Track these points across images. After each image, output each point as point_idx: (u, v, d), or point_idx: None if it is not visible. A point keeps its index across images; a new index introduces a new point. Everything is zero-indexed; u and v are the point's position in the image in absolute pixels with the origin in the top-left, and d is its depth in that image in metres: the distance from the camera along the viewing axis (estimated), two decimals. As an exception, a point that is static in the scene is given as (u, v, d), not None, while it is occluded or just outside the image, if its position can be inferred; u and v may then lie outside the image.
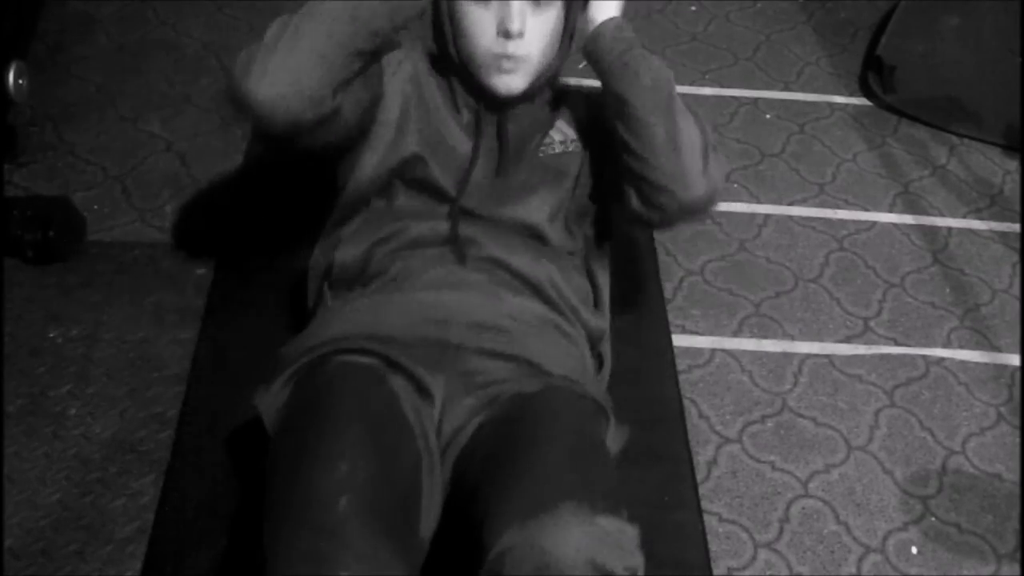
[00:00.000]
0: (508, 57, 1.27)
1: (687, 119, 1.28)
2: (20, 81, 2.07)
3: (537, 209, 1.34)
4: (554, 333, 1.29)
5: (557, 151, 1.38)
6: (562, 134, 1.40)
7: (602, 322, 1.39)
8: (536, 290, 1.30)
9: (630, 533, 0.99)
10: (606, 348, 1.42)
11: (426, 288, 1.26)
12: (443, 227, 1.31)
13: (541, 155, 1.37)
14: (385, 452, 1.06)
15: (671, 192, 1.25)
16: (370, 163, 1.35)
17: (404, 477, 1.07)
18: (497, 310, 1.25)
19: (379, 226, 1.33)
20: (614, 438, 1.24)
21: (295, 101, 1.14)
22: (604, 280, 1.43)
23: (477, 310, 1.24)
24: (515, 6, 1.24)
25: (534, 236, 1.34)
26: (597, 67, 1.29)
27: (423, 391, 1.18)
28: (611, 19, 1.29)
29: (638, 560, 0.98)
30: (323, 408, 1.11)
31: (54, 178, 2.11)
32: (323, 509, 0.97)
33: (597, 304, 1.41)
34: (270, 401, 1.19)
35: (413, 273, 1.28)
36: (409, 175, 1.34)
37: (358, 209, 1.38)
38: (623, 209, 1.34)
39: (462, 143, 1.35)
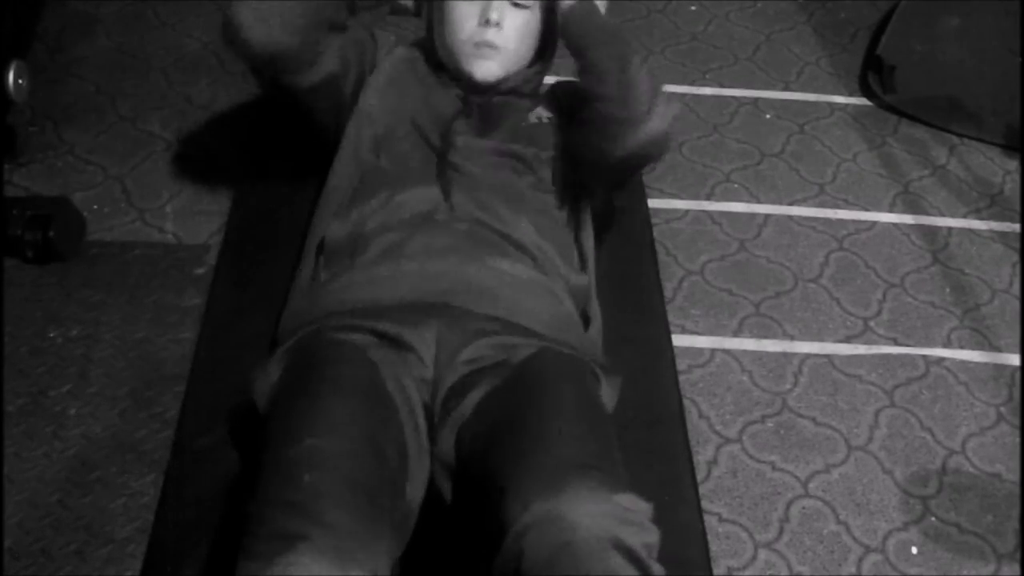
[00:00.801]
0: (487, 44, 1.47)
1: (640, 68, 1.43)
2: (20, 81, 2.07)
3: (516, 169, 1.46)
4: (540, 291, 1.32)
5: (534, 122, 1.54)
6: (539, 115, 1.56)
7: (583, 280, 1.43)
8: (517, 247, 1.34)
9: (644, 509, 1.01)
10: (594, 307, 1.46)
11: (412, 257, 1.29)
12: (427, 193, 1.39)
13: (523, 125, 1.53)
14: (361, 423, 1.07)
15: (628, 121, 1.40)
16: (363, 122, 1.49)
17: (384, 446, 1.08)
18: (482, 273, 1.28)
19: (367, 196, 1.39)
20: (608, 395, 1.26)
21: (279, 31, 1.32)
22: (588, 241, 1.51)
23: (462, 274, 1.27)
24: (495, 3, 1.46)
25: (515, 194, 1.42)
26: (571, 37, 1.47)
27: (412, 352, 1.19)
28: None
29: (654, 536, 0.99)
30: (301, 387, 1.12)
31: (54, 178, 2.11)
32: (288, 485, 0.99)
33: (581, 263, 1.47)
34: (263, 382, 1.20)
35: (399, 243, 1.30)
36: (399, 132, 1.47)
37: (348, 174, 1.47)
38: (586, 154, 1.49)
39: (448, 108, 1.51)
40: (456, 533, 1.17)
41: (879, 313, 2.08)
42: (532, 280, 1.32)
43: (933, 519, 1.73)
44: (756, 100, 2.57)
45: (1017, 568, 1.68)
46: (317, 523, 0.94)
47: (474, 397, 1.17)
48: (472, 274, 1.28)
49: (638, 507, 1.00)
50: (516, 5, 1.49)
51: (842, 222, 2.27)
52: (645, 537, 0.97)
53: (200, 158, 2.17)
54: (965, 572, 1.66)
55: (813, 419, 1.86)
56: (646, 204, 2.02)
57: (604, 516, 0.95)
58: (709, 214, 2.23)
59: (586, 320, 1.42)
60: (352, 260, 1.33)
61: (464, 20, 1.48)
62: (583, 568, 0.92)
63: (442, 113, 1.50)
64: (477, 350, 1.21)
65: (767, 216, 2.25)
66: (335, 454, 1.02)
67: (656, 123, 1.40)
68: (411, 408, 1.15)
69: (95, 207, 2.05)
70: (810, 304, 2.07)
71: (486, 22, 1.46)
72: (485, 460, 1.09)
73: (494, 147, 1.47)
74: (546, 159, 1.49)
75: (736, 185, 2.32)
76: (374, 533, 0.98)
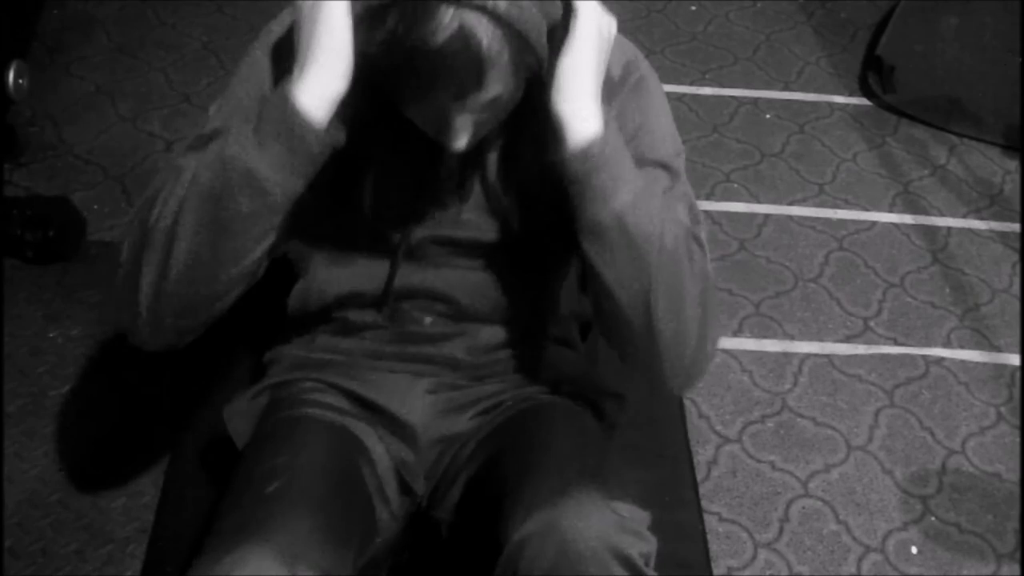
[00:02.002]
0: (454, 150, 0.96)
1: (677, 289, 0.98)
2: (20, 81, 2.07)
3: (501, 249, 1.11)
4: (535, 346, 1.22)
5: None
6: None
7: (587, 307, 1.26)
8: (511, 322, 1.18)
9: (642, 517, 1.00)
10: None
11: (387, 339, 1.17)
12: (397, 276, 1.11)
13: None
14: (334, 451, 1.07)
15: (655, 376, 1.04)
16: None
17: (355, 475, 1.07)
18: (471, 345, 1.17)
19: (335, 282, 1.14)
20: (613, 415, 1.23)
21: (221, 304, 0.98)
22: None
23: (450, 349, 1.16)
24: (457, 122, 0.92)
25: (502, 280, 1.13)
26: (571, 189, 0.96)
27: (399, 427, 1.15)
28: (593, 141, 0.92)
29: (652, 545, 0.98)
30: (278, 426, 1.11)
31: (54, 178, 2.11)
32: (249, 493, 1.00)
33: (584, 286, 1.24)
34: (240, 422, 1.18)
35: (371, 323, 1.17)
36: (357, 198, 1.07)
37: (309, 236, 1.12)
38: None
39: (411, 180, 1.06)
40: (453, 561, 1.17)
41: (879, 313, 2.08)
42: (526, 336, 1.20)
43: (933, 519, 1.73)
44: (756, 100, 2.57)
45: (1017, 568, 1.68)
46: (269, 525, 0.94)
47: (466, 450, 1.14)
48: (459, 348, 1.16)
49: (636, 516, 0.99)
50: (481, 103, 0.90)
51: (842, 222, 2.27)
52: (643, 546, 0.97)
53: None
54: (965, 572, 1.66)
55: (813, 419, 1.86)
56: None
57: (602, 524, 0.94)
58: (709, 214, 2.23)
59: (586, 329, 1.39)
60: (326, 325, 1.20)
61: (424, 121, 0.95)
62: None
63: (405, 183, 1.06)
64: (472, 421, 1.17)
65: (767, 216, 2.25)
66: (301, 467, 1.02)
67: (676, 380, 1.03)
68: (386, 468, 1.13)
69: (95, 207, 2.05)
70: (810, 304, 2.07)
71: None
72: (484, 489, 1.08)
73: (468, 232, 1.09)
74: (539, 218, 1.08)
75: (736, 185, 2.32)
76: (331, 542, 0.96)
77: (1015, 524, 1.73)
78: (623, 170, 0.95)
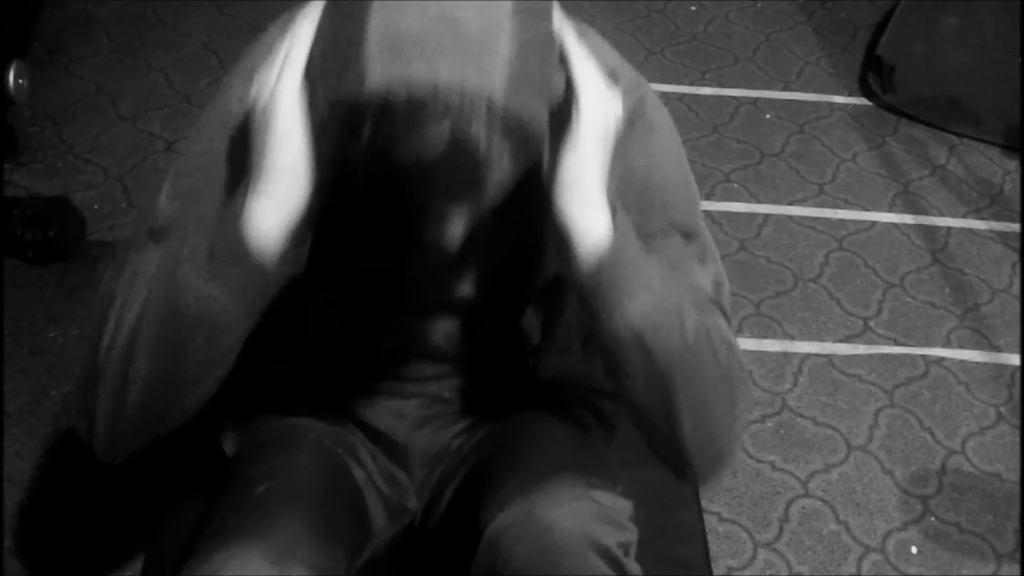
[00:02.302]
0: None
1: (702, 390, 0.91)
2: (20, 81, 2.07)
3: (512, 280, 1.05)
4: (529, 376, 1.16)
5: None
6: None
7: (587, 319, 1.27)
8: (505, 362, 1.14)
9: (624, 507, 0.98)
10: None
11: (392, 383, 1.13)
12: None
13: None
14: (326, 455, 1.06)
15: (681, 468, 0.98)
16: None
17: (345, 481, 1.07)
18: (461, 386, 1.12)
19: (317, 331, 1.08)
20: (612, 416, 1.21)
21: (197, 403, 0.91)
22: None
23: (438, 389, 1.11)
24: (451, 223, 0.81)
25: (503, 313, 1.07)
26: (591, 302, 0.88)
27: (389, 447, 1.14)
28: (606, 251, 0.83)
29: (632, 535, 0.96)
30: (270, 439, 1.11)
31: (54, 178, 2.11)
32: (242, 493, 1.00)
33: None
34: (229, 423, 1.18)
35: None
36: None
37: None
38: None
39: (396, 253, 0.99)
40: (451, 565, 1.17)
41: (879, 313, 2.08)
42: (521, 372, 1.16)
43: (933, 519, 1.73)
44: (756, 100, 2.57)
45: (1017, 568, 1.68)
46: (265, 524, 0.93)
47: (456, 462, 1.14)
48: (447, 389, 1.12)
49: (617, 504, 0.98)
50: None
51: (842, 222, 2.27)
52: (622, 536, 0.95)
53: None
54: (965, 572, 1.66)
55: (813, 419, 1.86)
56: (646, 204, 2.02)
57: (580, 514, 0.92)
58: (709, 214, 2.23)
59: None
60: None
61: (409, 214, 0.85)
62: (559, 568, 0.90)
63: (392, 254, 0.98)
64: (461, 436, 1.15)
65: (767, 216, 2.25)
66: (295, 468, 1.02)
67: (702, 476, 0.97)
68: (378, 473, 1.13)
69: (95, 207, 2.06)
70: (810, 304, 2.07)
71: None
72: (470, 492, 1.07)
73: (457, 288, 1.02)
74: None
75: (736, 185, 2.32)
76: (326, 542, 0.96)
77: (1015, 524, 1.73)
78: (637, 271, 0.85)
